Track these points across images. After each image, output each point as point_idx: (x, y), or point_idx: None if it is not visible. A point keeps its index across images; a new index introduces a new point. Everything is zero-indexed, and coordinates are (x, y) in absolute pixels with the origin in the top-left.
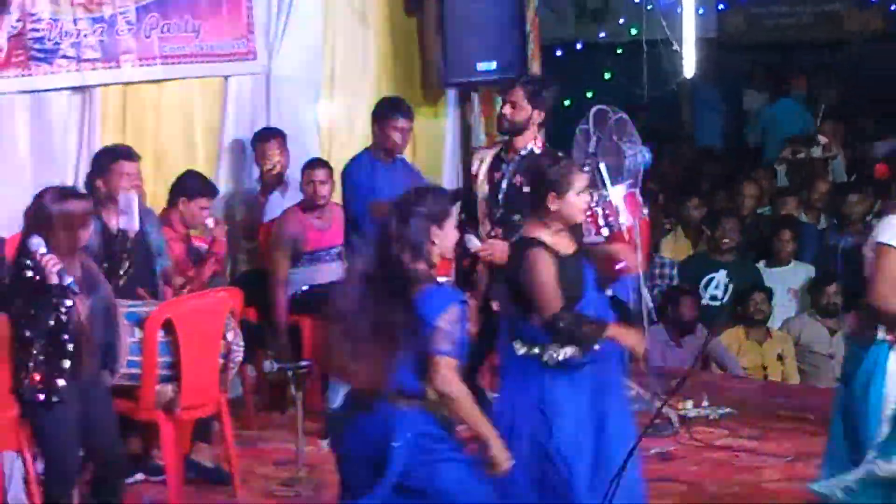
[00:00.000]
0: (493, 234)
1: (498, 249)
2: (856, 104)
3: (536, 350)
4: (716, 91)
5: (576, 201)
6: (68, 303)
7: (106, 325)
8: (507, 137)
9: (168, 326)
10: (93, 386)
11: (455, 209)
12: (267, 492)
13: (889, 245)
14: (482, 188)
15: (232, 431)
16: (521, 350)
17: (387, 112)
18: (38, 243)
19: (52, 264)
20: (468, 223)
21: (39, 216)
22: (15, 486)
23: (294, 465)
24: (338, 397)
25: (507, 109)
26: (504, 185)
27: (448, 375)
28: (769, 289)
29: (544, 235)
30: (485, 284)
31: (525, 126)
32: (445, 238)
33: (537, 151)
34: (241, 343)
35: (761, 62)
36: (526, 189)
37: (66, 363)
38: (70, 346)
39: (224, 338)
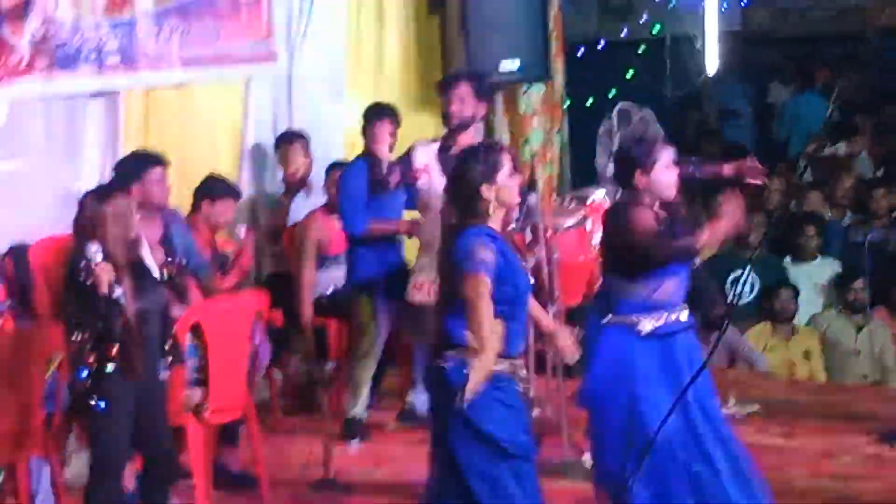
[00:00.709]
0: None
1: None
2: (882, 98)
3: (631, 319)
4: (741, 86)
5: (663, 176)
6: (117, 311)
7: (162, 324)
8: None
9: (196, 330)
10: (148, 385)
11: (507, 160)
12: (294, 495)
13: None
14: (436, 181)
15: (259, 435)
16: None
17: (365, 118)
18: (95, 251)
19: (106, 274)
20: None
21: (92, 220)
22: (43, 492)
23: (321, 467)
24: (358, 404)
25: (456, 106)
26: None
27: (472, 289)
28: (795, 286)
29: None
30: None
31: (472, 121)
32: (501, 191)
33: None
34: (268, 346)
35: (786, 56)
36: None
37: (112, 366)
38: (115, 351)
39: (251, 341)
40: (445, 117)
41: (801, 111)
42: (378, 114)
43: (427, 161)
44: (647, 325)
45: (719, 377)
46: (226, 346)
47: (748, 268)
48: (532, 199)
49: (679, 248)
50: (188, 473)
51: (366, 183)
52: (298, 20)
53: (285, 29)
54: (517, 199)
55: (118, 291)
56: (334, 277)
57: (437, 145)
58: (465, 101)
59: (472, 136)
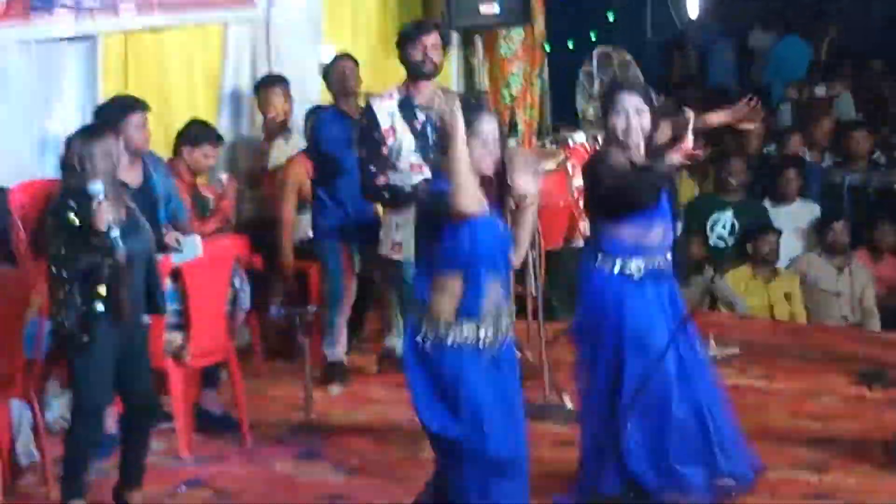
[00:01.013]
0: None
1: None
2: (862, 43)
3: (616, 262)
4: (722, 31)
5: (618, 121)
6: (110, 250)
7: (147, 269)
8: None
9: (176, 274)
10: (131, 329)
11: (487, 124)
12: (276, 438)
13: None
14: (405, 139)
15: (240, 378)
16: (601, 263)
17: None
18: (98, 189)
19: (106, 213)
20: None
21: (81, 159)
22: (24, 435)
23: (302, 411)
24: (336, 348)
25: (433, 52)
26: (429, 130)
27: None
28: (779, 230)
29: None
30: None
31: (439, 70)
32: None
33: (442, 95)
34: (248, 290)
35: (767, 1)
36: None
37: (100, 306)
38: (104, 290)
39: (231, 285)
40: (418, 65)
41: (782, 55)
42: (337, 58)
43: (390, 120)
44: (635, 267)
45: (700, 320)
46: (206, 291)
47: (728, 211)
48: (512, 142)
49: (650, 178)
50: (169, 416)
51: (344, 126)
52: None
53: None
54: (485, 170)
55: (115, 231)
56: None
57: (394, 99)
58: (437, 47)
59: (433, 87)
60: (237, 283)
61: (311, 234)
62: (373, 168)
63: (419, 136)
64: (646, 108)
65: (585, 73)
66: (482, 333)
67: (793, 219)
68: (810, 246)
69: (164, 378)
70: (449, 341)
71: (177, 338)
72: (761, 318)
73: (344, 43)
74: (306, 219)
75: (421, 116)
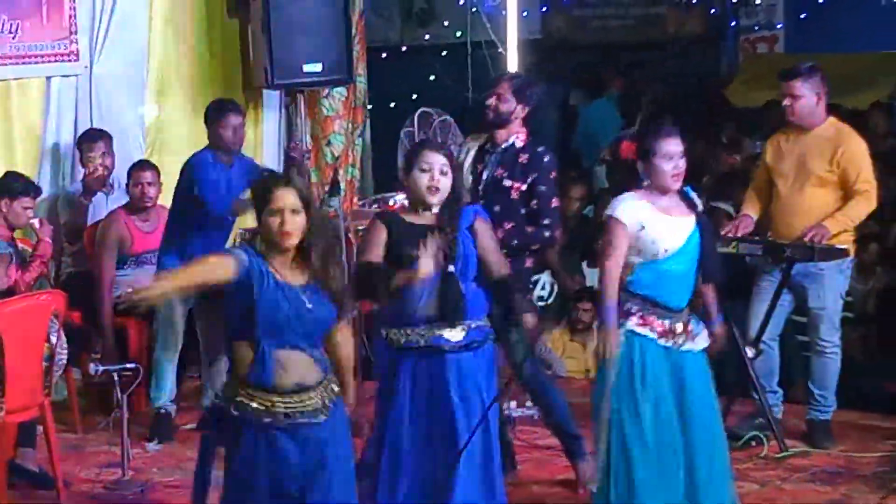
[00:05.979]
0: None
1: None
2: (675, 105)
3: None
4: (543, 90)
5: (418, 177)
6: None
7: None
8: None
9: None
10: None
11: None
12: (91, 495)
13: (616, 218)
14: (466, 180)
15: (56, 435)
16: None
17: (216, 112)
18: None
19: None
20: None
21: None
22: None
23: (119, 467)
24: (162, 398)
25: (493, 101)
26: (485, 176)
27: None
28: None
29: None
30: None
31: (508, 119)
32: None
33: (519, 145)
34: (66, 346)
35: (585, 63)
36: (506, 182)
37: None
38: None
39: (48, 340)
40: (483, 111)
41: (591, 118)
42: (225, 108)
43: None
44: (399, 338)
45: (517, 380)
46: (21, 346)
47: (547, 272)
48: (334, 202)
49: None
50: None
51: (218, 169)
52: (100, 19)
53: (88, 28)
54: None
55: None
56: (135, 277)
57: (479, 143)
58: (502, 97)
59: (512, 134)
60: (54, 338)
61: (130, 289)
62: None
63: (476, 177)
64: (450, 168)
65: (407, 134)
66: (274, 406)
67: None
68: None
69: None
70: (232, 409)
71: None
72: (578, 379)
73: (169, 99)
74: (126, 274)
75: (488, 160)
